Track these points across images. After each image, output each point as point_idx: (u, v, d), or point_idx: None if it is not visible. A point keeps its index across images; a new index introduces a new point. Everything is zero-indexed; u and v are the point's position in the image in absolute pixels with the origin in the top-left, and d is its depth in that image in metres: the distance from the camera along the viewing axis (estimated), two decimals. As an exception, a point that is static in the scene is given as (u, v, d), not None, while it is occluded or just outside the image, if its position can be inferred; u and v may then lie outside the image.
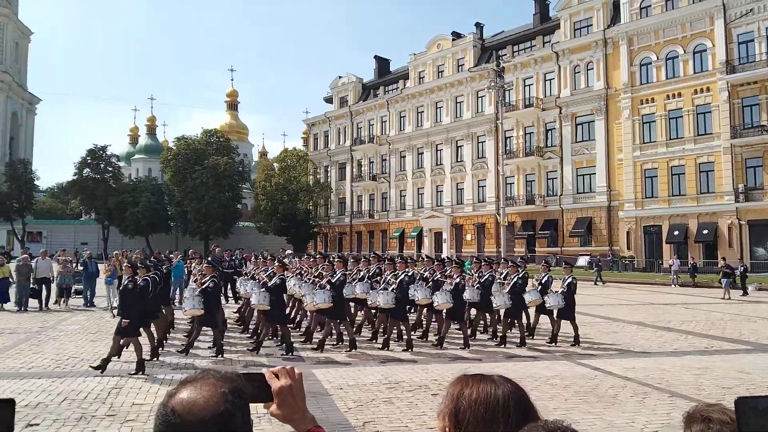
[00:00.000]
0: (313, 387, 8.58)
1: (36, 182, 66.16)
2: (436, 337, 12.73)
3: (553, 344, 12.79)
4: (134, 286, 10.28)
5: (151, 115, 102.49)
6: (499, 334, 13.09)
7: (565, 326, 13.07)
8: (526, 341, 12.78)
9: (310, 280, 13.61)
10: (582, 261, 40.93)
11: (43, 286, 18.93)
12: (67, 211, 78.91)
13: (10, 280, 18.87)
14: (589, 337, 13.69)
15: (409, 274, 13.73)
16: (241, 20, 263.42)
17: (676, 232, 38.48)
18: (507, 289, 13.27)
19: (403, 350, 11.97)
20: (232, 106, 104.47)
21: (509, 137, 48.21)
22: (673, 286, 30.72)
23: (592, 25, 44.87)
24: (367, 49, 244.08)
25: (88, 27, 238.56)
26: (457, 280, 12.71)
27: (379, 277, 13.88)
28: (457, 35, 55.34)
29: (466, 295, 12.98)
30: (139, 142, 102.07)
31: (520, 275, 13.53)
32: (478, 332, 14.14)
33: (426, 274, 14.61)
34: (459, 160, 52.99)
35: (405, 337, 12.53)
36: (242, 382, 1.19)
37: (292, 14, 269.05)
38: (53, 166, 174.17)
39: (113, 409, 7.49)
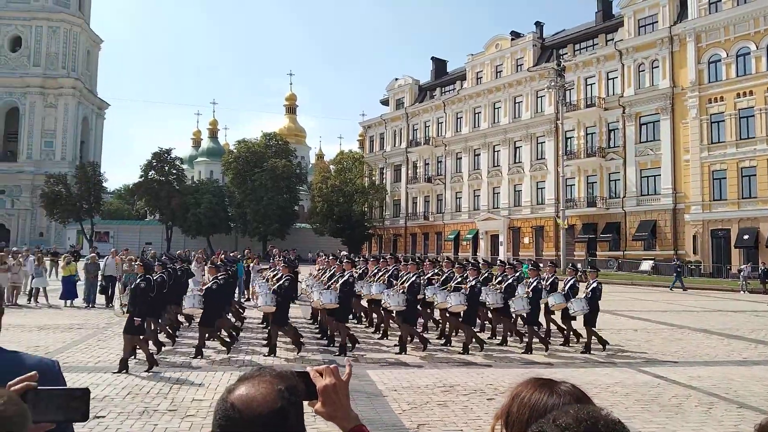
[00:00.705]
0: (367, 387, 8.59)
1: (104, 184, 68.87)
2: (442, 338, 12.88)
3: (568, 345, 12.85)
4: (147, 284, 10.46)
5: (213, 119, 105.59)
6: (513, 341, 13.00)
7: (583, 328, 12.72)
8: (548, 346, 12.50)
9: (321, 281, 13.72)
10: (645, 265, 39.58)
11: (110, 283, 19.70)
12: (133, 211, 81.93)
13: (78, 277, 19.73)
14: (652, 345, 13.21)
15: (425, 276, 13.78)
16: (299, 25, 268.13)
17: (746, 236, 36.66)
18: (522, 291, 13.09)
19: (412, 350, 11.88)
20: (291, 109, 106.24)
21: (570, 138, 47.15)
22: (742, 292, 29.32)
23: (657, 21, 43.36)
24: (423, 51, 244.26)
25: (154, 35, 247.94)
26: (473, 282, 12.44)
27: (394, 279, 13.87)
28: (516, 35, 54.58)
29: (489, 299, 12.71)
30: (201, 145, 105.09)
31: (546, 279, 13.40)
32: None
33: (435, 277, 14.47)
34: (517, 161, 52.19)
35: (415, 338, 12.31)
36: (297, 380, 1.22)
37: (349, 18, 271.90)
38: (120, 169, 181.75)
39: (174, 404, 7.70)
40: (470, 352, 11.82)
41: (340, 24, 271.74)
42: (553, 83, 42.62)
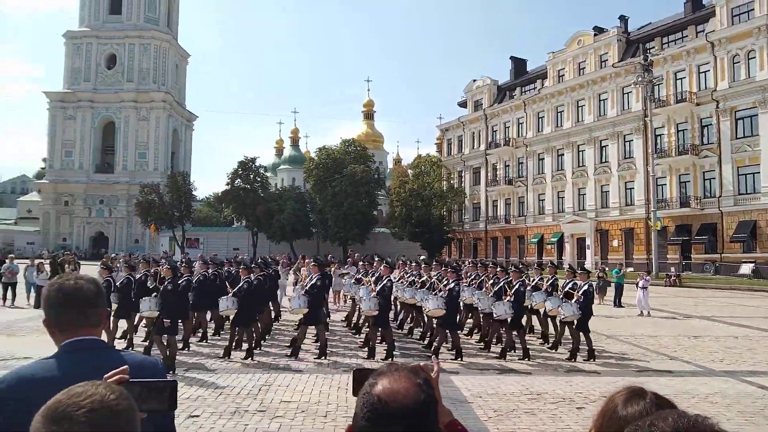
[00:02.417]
0: (451, 393, 8.49)
1: (194, 192, 72.02)
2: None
3: (554, 350, 12.45)
4: (174, 287, 11.02)
5: (294, 128, 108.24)
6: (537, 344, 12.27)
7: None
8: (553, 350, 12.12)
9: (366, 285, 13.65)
10: (745, 269, 37.13)
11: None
12: (221, 218, 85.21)
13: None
14: (755, 353, 12.34)
15: (395, 279, 13.72)
16: (376, 32, 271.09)
17: None
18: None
19: (452, 359, 11.37)
20: (368, 115, 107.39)
21: (660, 135, 45.02)
22: None
23: (753, 9, 40.70)
24: (502, 51, 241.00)
25: (238, 49, 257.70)
26: (452, 285, 11.83)
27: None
28: (599, 30, 52.82)
29: (497, 310, 11.79)
30: (283, 153, 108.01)
31: (523, 280, 12.89)
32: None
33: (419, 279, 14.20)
34: (603, 160, 50.38)
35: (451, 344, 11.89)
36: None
37: (425, 22, 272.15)
38: (208, 177, 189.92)
39: (263, 405, 7.90)
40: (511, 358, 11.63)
41: (416, 28, 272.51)
42: (640, 78, 40.84)
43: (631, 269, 38.76)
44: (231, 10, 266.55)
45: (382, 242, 67.17)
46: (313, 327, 11.77)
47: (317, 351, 11.44)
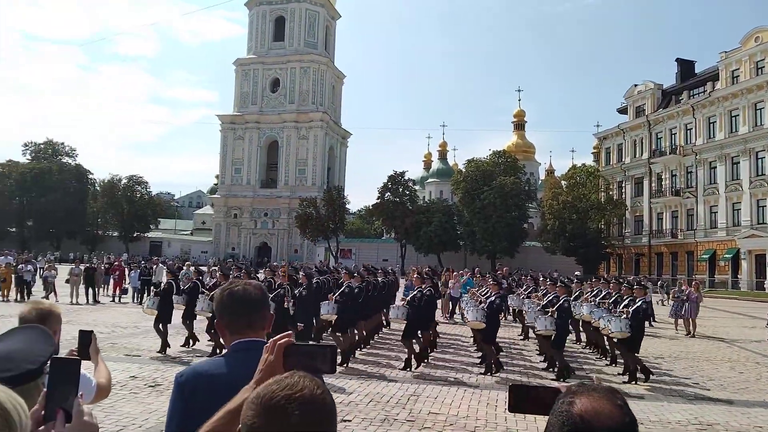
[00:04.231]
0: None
1: (347, 206, 75.40)
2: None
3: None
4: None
5: (442, 141, 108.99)
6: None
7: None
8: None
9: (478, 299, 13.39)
10: None
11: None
12: (372, 230, 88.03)
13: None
14: None
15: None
16: (528, 40, 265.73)
17: None
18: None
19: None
20: (519, 126, 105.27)
21: None
22: None
23: None
24: (665, 54, 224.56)
25: (388, 66, 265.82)
26: (492, 298, 11.45)
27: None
28: (780, 24, 47.28)
29: (537, 325, 11.41)
30: (431, 166, 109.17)
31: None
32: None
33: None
34: (787, 168, 44.82)
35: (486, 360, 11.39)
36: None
37: (579, 26, 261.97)
38: (360, 191, 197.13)
39: (412, 415, 7.86)
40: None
41: (570, 34, 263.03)
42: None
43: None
44: (381, 30, 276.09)
45: (533, 256, 65.02)
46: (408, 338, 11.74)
47: (482, 367, 11.45)
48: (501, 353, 12.48)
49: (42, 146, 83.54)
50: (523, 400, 1.37)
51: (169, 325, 12.72)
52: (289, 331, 1.70)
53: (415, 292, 12.15)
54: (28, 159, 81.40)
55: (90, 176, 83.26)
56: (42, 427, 1.30)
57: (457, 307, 20.76)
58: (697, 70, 59.21)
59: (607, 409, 1.14)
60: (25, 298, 22.14)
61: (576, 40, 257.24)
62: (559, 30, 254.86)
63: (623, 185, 62.22)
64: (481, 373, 11.07)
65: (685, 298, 19.09)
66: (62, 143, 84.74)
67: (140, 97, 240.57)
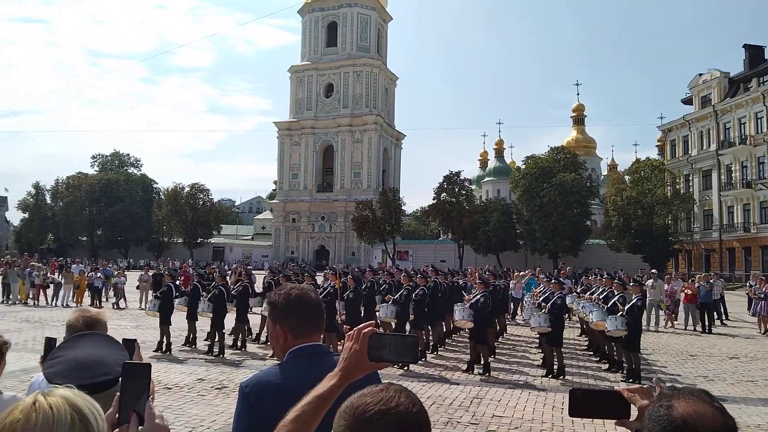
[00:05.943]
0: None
1: (403, 207, 75.25)
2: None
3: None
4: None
5: (498, 139, 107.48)
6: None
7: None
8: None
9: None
10: None
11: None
12: (428, 231, 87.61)
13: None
14: None
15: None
16: (585, 32, 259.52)
17: None
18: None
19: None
20: (579, 120, 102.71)
21: None
22: None
23: None
24: (731, 40, 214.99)
25: (443, 65, 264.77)
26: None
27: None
28: None
29: (533, 322, 11.40)
30: (488, 165, 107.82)
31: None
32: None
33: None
34: None
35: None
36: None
37: (639, 16, 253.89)
38: (416, 192, 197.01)
39: (476, 418, 7.67)
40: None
41: (630, 24, 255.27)
42: None
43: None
44: (433, 30, 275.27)
45: (597, 254, 63.22)
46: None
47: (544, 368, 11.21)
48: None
49: (109, 158, 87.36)
50: (583, 404, 1.36)
51: (170, 326, 13.22)
52: (371, 321, 1.73)
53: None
54: (96, 170, 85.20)
55: (155, 185, 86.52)
56: (116, 430, 1.34)
57: (519, 308, 20.35)
58: (767, 56, 56.31)
59: (709, 412, 1.14)
60: (96, 303, 23.05)
61: (635, 29, 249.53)
62: (616, 20, 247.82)
63: (690, 179, 59.76)
64: (543, 376, 10.76)
65: (762, 295, 18.09)
66: (128, 154, 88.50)
67: (199, 107, 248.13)
